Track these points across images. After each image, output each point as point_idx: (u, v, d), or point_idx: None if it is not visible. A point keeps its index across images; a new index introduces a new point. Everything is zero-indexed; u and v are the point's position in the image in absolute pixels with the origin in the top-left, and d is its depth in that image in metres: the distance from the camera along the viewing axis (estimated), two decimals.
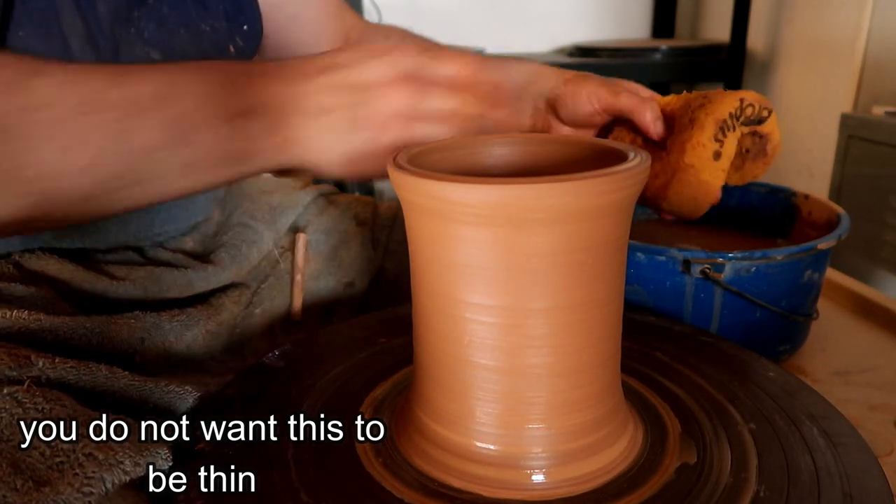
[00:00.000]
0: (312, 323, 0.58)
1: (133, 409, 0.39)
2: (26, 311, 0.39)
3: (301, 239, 0.60)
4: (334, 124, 0.37)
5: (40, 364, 0.36)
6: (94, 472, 0.31)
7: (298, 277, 0.59)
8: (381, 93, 0.38)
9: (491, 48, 1.77)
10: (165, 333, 0.46)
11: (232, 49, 0.54)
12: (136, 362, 0.44)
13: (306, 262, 0.60)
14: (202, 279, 0.51)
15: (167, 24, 0.49)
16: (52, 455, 0.31)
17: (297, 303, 0.58)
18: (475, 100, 0.40)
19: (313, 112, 0.37)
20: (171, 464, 0.34)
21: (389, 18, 1.77)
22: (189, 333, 0.47)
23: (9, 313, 0.39)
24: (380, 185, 1.80)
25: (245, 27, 0.55)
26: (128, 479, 0.32)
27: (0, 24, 0.40)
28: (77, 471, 0.31)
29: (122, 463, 0.32)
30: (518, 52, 1.84)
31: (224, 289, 0.53)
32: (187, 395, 0.41)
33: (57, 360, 0.37)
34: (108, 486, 0.31)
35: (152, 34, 0.48)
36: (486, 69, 0.41)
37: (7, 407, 0.33)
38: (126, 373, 0.39)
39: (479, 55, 0.42)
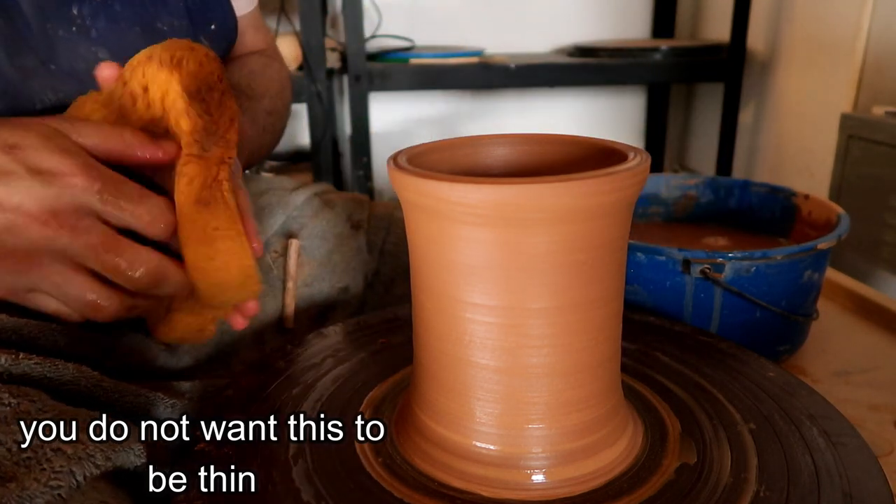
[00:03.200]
0: (305, 329, 0.58)
1: (101, 410, 0.37)
2: None
3: (293, 245, 0.59)
4: None
5: (2, 360, 0.35)
6: (61, 466, 0.31)
7: (290, 285, 0.58)
8: (19, 225, 0.34)
9: (491, 48, 1.77)
10: (141, 338, 0.44)
11: None
12: (110, 365, 0.42)
13: (299, 269, 0.59)
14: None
15: (119, 21, 0.45)
16: (19, 451, 0.31)
17: (290, 310, 0.57)
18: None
19: None
20: (144, 459, 0.34)
21: (389, 18, 1.77)
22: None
23: None
24: (380, 186, 1.80)
25: (212, 26, 0.51)
26: (99, 472, 0.32)
27: None
28: (44, 465, 0.31)
29: (92, 457, 0.32)
30: (518, 51, 1.84)
31: None
32: (158, 402, 0.40)
33: (21, 356, 0.35)
34: (80, 478, 0.31)
35: (102, 32, 0.44)
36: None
37: None
38: (95, 373, 0.38)
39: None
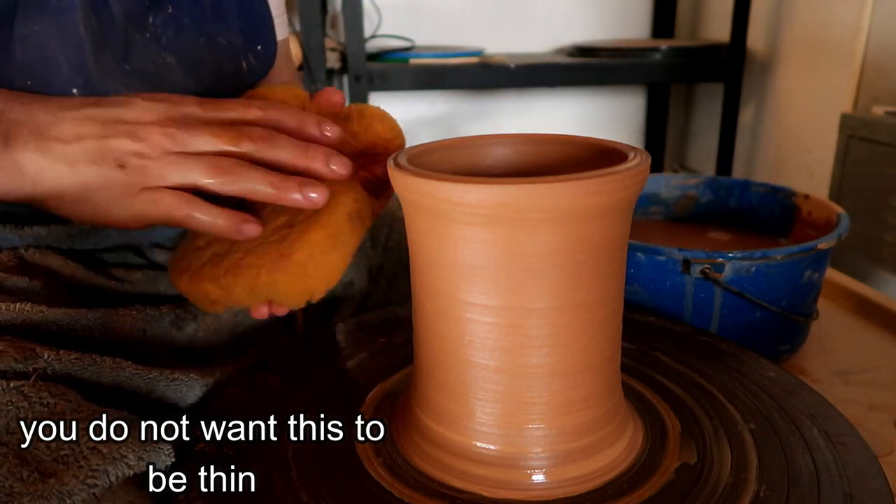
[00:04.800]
0: (313, 323, 0.58)
1: (139, 399, 0.40)
2: (29, 304, 0.40)
3: None
4: (71, 154, 0.37)
5: (45, 356, 0.37)
6: (98, 465, 0.32)
7: None
8: (139, 130, 0.38)
9: (491, 48, 1.77)
10: (166, 326, 0.46)
11: (244, 65, 0.56)
12: (140, 353, 0.44)
13: None
14: None
15: (185, 32, 0.50)
16: (58, 448, 0.32)
17: (300, 315, 0.57)
18: (248, 141, 0.39)
19: (52, 138, 0.37)
20: (173, 460, 0.35)
21: (389, 19, 1.77)
22: (189, 326, 0.48)
23: (12, 305, 0.39)
24: None
25: (259, 47, 0.57)
26: (132, 472, 0.33)
27: (5, 16, 0.41)
28: (82, 463, 0.32)
29: (125, 457, 0.33)
30: (518, 51, 1.84)
31: None
32: (193, 384, 0.41)
33: (62, 353, 0.37)
34: (112, 479, 0.32)
35: (170, 40, 0.49)
36: (269, 112, 0.40)
37: (13, 401, 0.33)
38: (130, 363, 0.39)
39: (261, 101, 0.42)
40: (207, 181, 0.38)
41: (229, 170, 0.38)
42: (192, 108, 0.39)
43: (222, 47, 0.53)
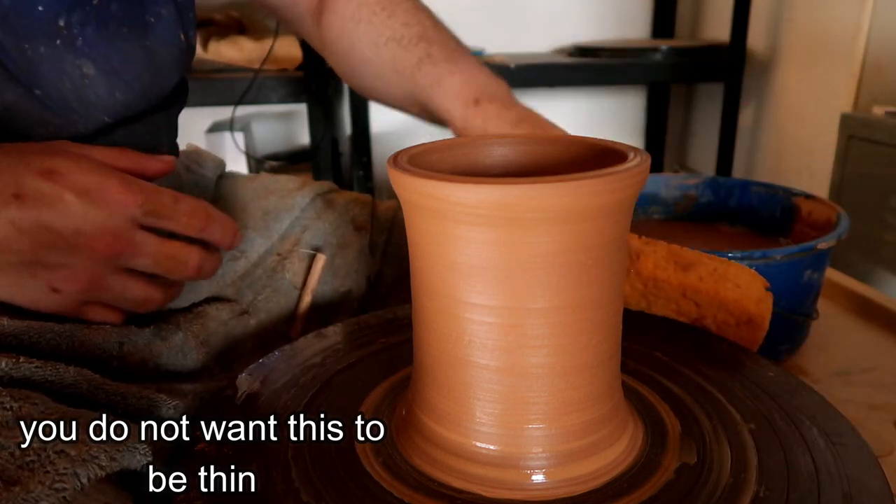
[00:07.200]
0: (308, 332, 0.57)
1: (103, 412, 0.37)
2: None
3: (320, 260, 0.58)
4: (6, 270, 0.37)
5: (3, 364, 0.35)
6: (65, 468, 0.31)
7: (308, 298, 0.57)
8: (79, 249, 0.37)
9: (491, 48, 1.77)
10: (148, 336, 0.44)
11: (183, 38, 0.50)
12: (114, 367, 0.42)
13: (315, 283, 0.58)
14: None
15: (109, 23, 0.44)
16: (23, 455, 0.31)
17: (300, 322, 0.57)
18: (183, 272, 0.41)
19: None
20: (150, 459, 0.34)
21: None
22: (176, 336, 0.45)
23: None
24: (380, 186, 1.79)
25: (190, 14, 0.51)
26: (104, 473, 0.32)
27: None
28: (48, 468, 0.30)
29: (96, 458, 0.32)
30: (518, 51, 1.84)
31: (207, 300, 0.51)
32: (161, 404, 0.39)
33: (22, 360, 0.35)
34: (83, 480, 0.31)
35: (88, 40, 0.43)
36: (207, 230, 0.42)
37: None
38: (96, 376, 0.37)
39: (199, 207, 0.42)
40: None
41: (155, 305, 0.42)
42: (133, 211, 0.38)
43: (150, 27, 0.47)
